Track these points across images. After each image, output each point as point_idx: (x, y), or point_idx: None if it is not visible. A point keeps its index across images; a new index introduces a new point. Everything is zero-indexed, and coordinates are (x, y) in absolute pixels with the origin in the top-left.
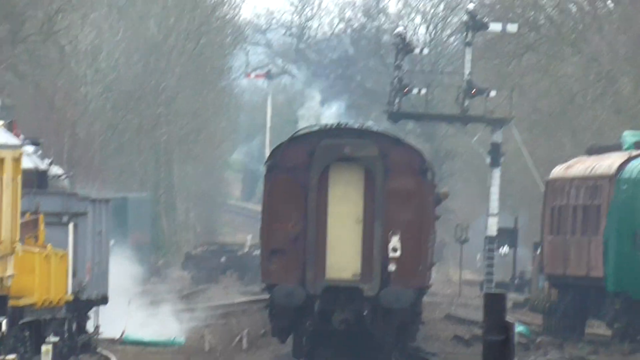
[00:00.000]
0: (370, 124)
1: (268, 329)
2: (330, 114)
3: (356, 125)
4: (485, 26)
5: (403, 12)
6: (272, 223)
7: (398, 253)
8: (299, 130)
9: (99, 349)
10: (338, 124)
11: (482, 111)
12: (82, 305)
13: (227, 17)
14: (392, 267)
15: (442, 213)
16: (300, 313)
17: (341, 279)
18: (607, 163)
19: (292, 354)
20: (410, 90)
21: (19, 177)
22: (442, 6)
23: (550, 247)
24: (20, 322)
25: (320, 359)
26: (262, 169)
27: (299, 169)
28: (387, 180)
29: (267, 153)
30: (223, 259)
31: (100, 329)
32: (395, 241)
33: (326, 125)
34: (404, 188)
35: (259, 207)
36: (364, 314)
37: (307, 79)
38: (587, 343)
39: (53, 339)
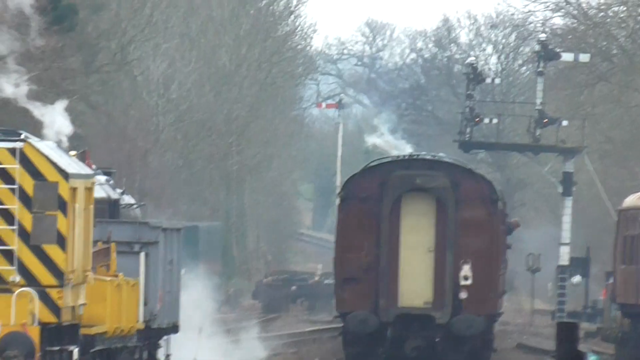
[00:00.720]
0: (441, 154)
1: (339, 358)
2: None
3: (428, 156)
4: (557, 56)
5: (474, 42)
6: (346, 252)
7: (469, 281)
8: (371, 161)
9: None
10: (410, 155)
11: (554, 141)
12: (153, 333)
13: (299, 47)
14: (463, 295)
15: (513, 242)
16: (373, 340)
17: (413, 307)
18: None
19: None
20: (481, 120)
21: (92, 207)
22: (513, 36)
23: (622, 277)
24: (92, 350)
25: None
26: (333, 199)
27: (371, 199)
28: (458, 210)
29: (338, 182)
30: (294, 288)
31: (172, 358)
32: (466, 270)
33: (398, 156)
34: (474, 218)
35: (329, 236)
36: (436, 341)
37: (377, 108)
38: None
39: None
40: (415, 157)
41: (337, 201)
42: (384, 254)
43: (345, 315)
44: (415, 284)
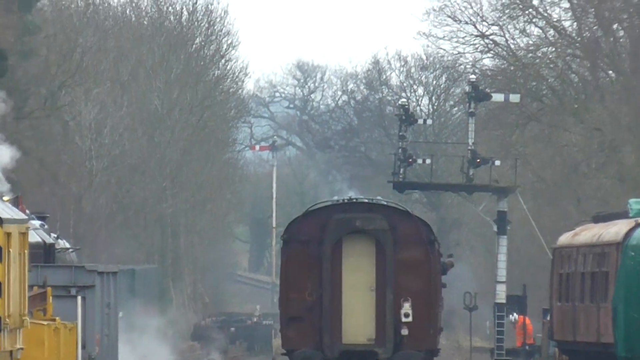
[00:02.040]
0: (379, 197)
1: None
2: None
3: (366, 200)
4: (487, 96)
5: (405, 84)
6: (290, 292)
7: (410, 318)
8: (312, 205)
9: None
10: (349, 199)
11: (487, 180)
12: None
13: (231, 90)
14: (404, 332)
15: (450, 281)
16: None
17: (357, 343)
18: (614, 230)
19: None
20: (414, 161)
21: (26, 251)
22: (444, 78)
23: (559, 314)
24: None
25: None
26: (269, 240)
27: (313, 241)
28: (397, 251)
29: (274, 223)
30: (232, 329)
31: None
32: (407, 307)
33: (338, 200)
34: (412, 258)
35: (266, 278)
36: None
37: (310, 150)
38: None
39: None
40: (354, 200)
41: (280, 244)
42: (327, 293)
43: (291, 352)
44: (358, 321)
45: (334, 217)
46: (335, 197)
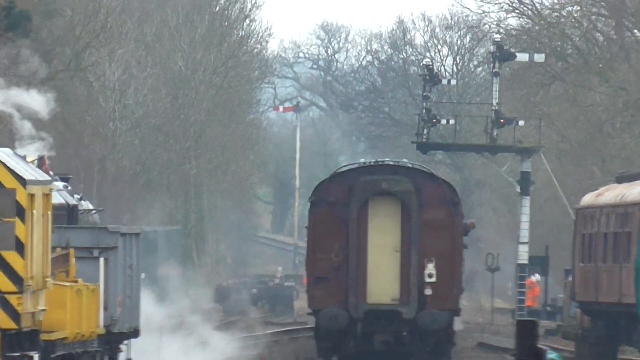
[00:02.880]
0: (404, 160)
1: (301, 359)
2: (357, 148)
3: (392, 162)
4: (512, 56)
5: (430, 43)
6: (317, 253)
7: (434, 279)
8: (339, 167)
9: None
10: (375, 161)
11: (511, 141)
12: (114, 338)
13: (255, 51)
14: (428, 292)
15: (472, 242)
16: (344, 335)
17: (381, 303)
18: (637, 190)
19: None
20: (438, 121)
21: (49, 213)
22: (468, 37)
23: (581, 275)
24: (52, 355)
25: None
26: (292, 201)
27: (340, 203)
28: (422, 213)
29: (297, 184)
30: (254, 291)
31: None
32: (430, 268)
33: (364, 162)
34: (437, 219)
35: (289, 239)
36: (403, 335)
37: (334, 111)
38: None
39: None
40: (380, 163)
41: (308, 206)
42: (352, 254)
43: (317, 312)
44: (382, 282)
45: (361, 179)
46: (362, 160)
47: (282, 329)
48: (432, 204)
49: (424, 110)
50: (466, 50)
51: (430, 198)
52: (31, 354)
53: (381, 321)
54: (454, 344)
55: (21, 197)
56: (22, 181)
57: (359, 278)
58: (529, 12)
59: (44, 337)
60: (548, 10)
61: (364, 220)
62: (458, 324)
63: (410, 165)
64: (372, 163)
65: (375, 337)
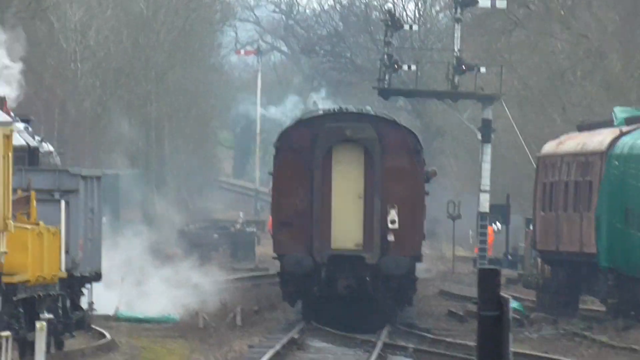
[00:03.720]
0: (368, 107)
1: (261, 306)
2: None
3: (355, 110)
4: (474, 2)
5: None
6: (281, 199)
7: (396, 225)
8: (304, 114)
9: (93, 326)
10: (340, 109)
11: (472, 88)
12: (76, 282)
13: None
14: (391, 238)
15: (434, 190)
16: (309, 279)
17: (345, 249)
18: (599, 139)
19: (302, 317)
20: (400, 67)
21: (10, 154)
22: None
23: (542, 224)
24: (14, 299)
25: (326, 322)
26: (253, 146)
27: (305, 150)
28: (384, 160)
29: (258, 129)
30: (216, 236)
31: (94, 306)
32: (393, 214)
33: (329, 110)
34: (399, 167)
35: (250, 184)
36: (367, 280)
37: (295, 55)
38: (580, 319)
39: (47, 315)
40: (344, 110)
41: (273, 152)
42: (317, 200)
43: (282, 256)
44: (346, 228)
45: (325, 126)
46: (326, 107)
47: (244, 275)
48: (395, 152)
49: (385, 56)
50: None
51: (393, 145)
52: None
53: (345, 266)
54: (415, 289)
55: None
56: None
57: (323, 224)
58: None
59: (5, 279)
60: None
61: (328, 166)
62: (421, 271)
63: (373, 113)
64: (336, 110)
65: (339, 282)
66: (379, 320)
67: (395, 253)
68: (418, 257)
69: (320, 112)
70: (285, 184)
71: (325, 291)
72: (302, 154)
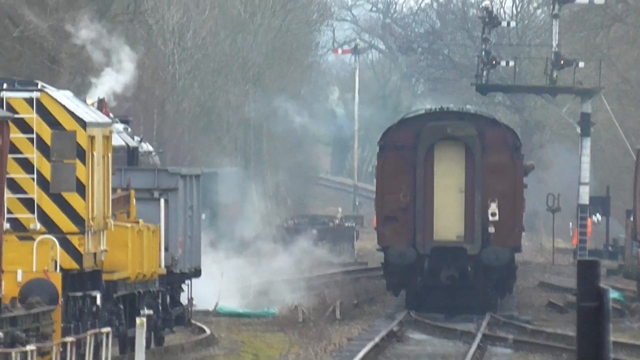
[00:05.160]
0: (468, 106)
1: (360, 300)
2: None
3: (456, 108)
4: None
5: None
6: (386, 194)
7: (496, 217)
8: (407, 114)
9: (193, 321)
10: (441, 108)
11: (571, 82)
12: (176, 278)
13: None
14: (491, 230)
15: (533, 184)
16: (412, 270)
17: (447, 240)
18: None
19: (405, 305)
20: (498, 63)
21: (110, 154)
22: None
23: None
24: (115, 295)
25: (429, 311)
26: (351, 143)
27: (407, 147)
28: (485, 156)
29: (356, 127)
30: (315, 231)
31: (194, 302)
32: (493, 207)
33: (430, 109)
34: (499, 162)
35: (348, 180)
36: (468, 270)
37: (393, 54)
38: None
39: (147, 312)
40: (445, 109)
41: (377, 150)
42: (420, 195)
43: (386, 249)
44: (448, 221)
45: (427, 124)
46: (428, 106)
47: (343, 269)
48: (495, 148)
49: (483, 53)
50: None
51: (493, 142)
52: (93, 294)
53: (447, 257)
54: (515, 278)
55: (81, 139)
56: (82, 123)
57: (426, 217)
58: None
59: (105, 277)
60: None
61: (430, 163)
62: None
63: (473, 112)
64: (437, 109)
65: (442, 273)
66: (481, 309)
67: (496, 244)
68: (517, 248)
69: (423, 112)
70: (389, 181)
71: (428, 281)
72: (405, 151)
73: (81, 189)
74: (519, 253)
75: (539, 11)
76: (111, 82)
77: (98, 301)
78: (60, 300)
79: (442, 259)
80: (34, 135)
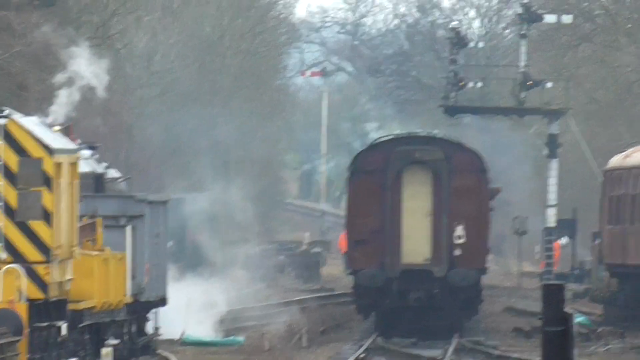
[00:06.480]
0: (436, 131)
1: (327, 326)
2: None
3: (424, 133)
4: (540, 18)
5: (457, 6)
6: (356, 218)
7: (463, 240)
8: (376, 139)
9: (159, 350)
10: (409, 133)
11: (539, 103)
12: (142, 307)
13: (281, 16)
14: (457, 252)
15: (500, 206)
16: (381, 293)
17: (415, 263)
18: None
19: (375, 328)
20: (466, 84)
21: (77, 181)
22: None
23: (609, 237)
24: (80, 325)
25: (398, 332)
26: (319, 167)
27: (377, 171)
28: (451, 179)
29: (324, 150)
30: (281, 257)
31: (160, 331)
32: (460, 230)
33: (399, 134)
34: (465, 185)
35: (316, 205)
36: (435, 292)
37: (361, 75)
38: None
39: (113, 341)
40: (414, 134)
41: (347, 174)
42: (388, 218)
43: (356, 272)
44: (416, 244)
45: (396, 149)
46: (397, 131)
47: (310, 295)
48: (461, 171)
49: (451, 74)
50: (493, 13)
51: (460, 166)
52: (59, 324)
53: (415, 280)
54: (481, 300)
55: (48, 166)
56: (49, 150)
57: (395, 240)
58: None
59: (71, 306)
60: None
61: (399, 187)
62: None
63: (441, 136)
64: (406, 134)
65: (410, 295)
66: (448, 330)
67: (462, 266)
68: (483, 270)
69: (391, 137)
70: (358, 205)
71: (396, 303)
72: (375, 176)
73: (47, 217)
74: (485, 275)
75: (507, 31)
76: (73, 105)
77: (63, 331)
78: (26, 330)
79: (410, 281)
80: (1, 163)
